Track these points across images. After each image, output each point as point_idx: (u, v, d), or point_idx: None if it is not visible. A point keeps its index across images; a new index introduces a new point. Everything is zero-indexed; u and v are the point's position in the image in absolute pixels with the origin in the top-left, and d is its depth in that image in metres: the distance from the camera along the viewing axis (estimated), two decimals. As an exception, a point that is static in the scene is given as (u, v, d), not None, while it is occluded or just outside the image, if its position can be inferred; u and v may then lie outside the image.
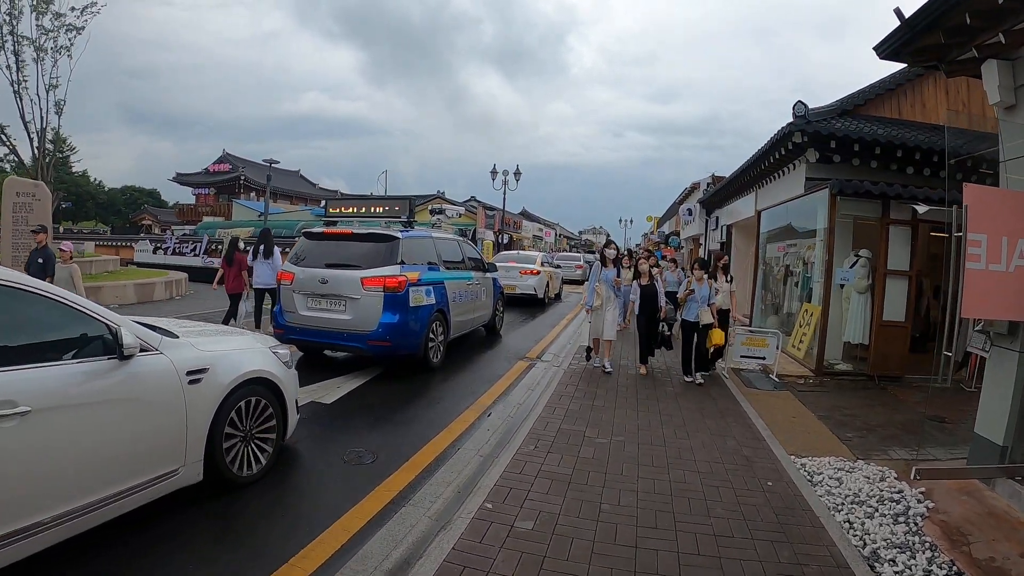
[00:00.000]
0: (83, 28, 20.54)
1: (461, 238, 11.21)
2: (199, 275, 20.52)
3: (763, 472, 4.96)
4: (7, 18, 19.45)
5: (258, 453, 4.30)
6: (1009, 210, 4.57)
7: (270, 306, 9.33)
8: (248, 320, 10.50)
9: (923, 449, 5.78)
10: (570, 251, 50.72)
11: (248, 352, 4.38)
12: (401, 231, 8.12)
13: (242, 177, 53.48)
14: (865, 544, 3.88)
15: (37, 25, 19.92)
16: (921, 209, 7.69)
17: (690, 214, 23.45)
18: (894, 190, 7.99)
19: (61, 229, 49.99)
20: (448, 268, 9.04)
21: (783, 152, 9.48)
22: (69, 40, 20.45)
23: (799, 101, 8.53)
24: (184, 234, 31.08)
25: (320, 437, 5.35)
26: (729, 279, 9.01)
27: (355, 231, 8.21)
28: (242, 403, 4.13)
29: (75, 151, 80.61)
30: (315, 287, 7.71)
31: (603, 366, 8.36)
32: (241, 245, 11.19)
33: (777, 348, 8.40)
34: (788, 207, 10.48)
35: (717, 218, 18.98)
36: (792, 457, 5.37)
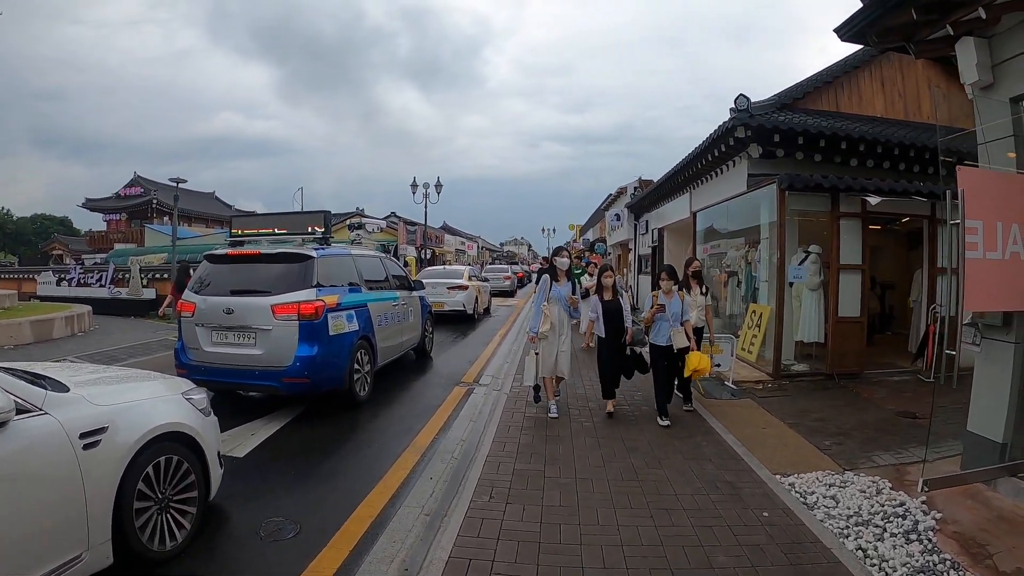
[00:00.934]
0: None
1: (384, 254, 10.32)
2: (106, 308, 19.31)
3: (754, 500, 4.43)
4: None
5: (180, 519, 3.68)
6: (1001, 193, 4.24)
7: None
8: None
9: (906, 451, 5.57)
10: (493, 263, 50.22)
11: (156, 402, 3.75)
12: (316, 249, 7.16)
13: (154, 201, 50.78)
14: (886, 574, 3.50)
15: None
16: (873, 201, 7.45)
17: (618, 219, 23.28)
18: (844, 183, 7.75)
19: None
20: (371, 288, 8.12)
21: (723, 149, 9.15)
22: None
23: (741, 95, 8.18)
24: (93, 264, 28.83)
25: (232, 504, 4.35)
26: (704, 291, 7.35)
27: (263, 251, 7.17)
28: (152, 465, 3.48)
29: None
30: (220, 318, 6.64)
31: (548, 409, 6.69)
32: (192, 271, 10.26)
33: (732, 354, 7.95)
34: (728, 206, 10.20)
35: (647, 222, 18.82)
36: (778, 477, 4.89)
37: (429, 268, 21.92)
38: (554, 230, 71.93)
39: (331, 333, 6.69)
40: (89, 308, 16.35)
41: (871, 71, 10.03)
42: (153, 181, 52.46)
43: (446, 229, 56.22)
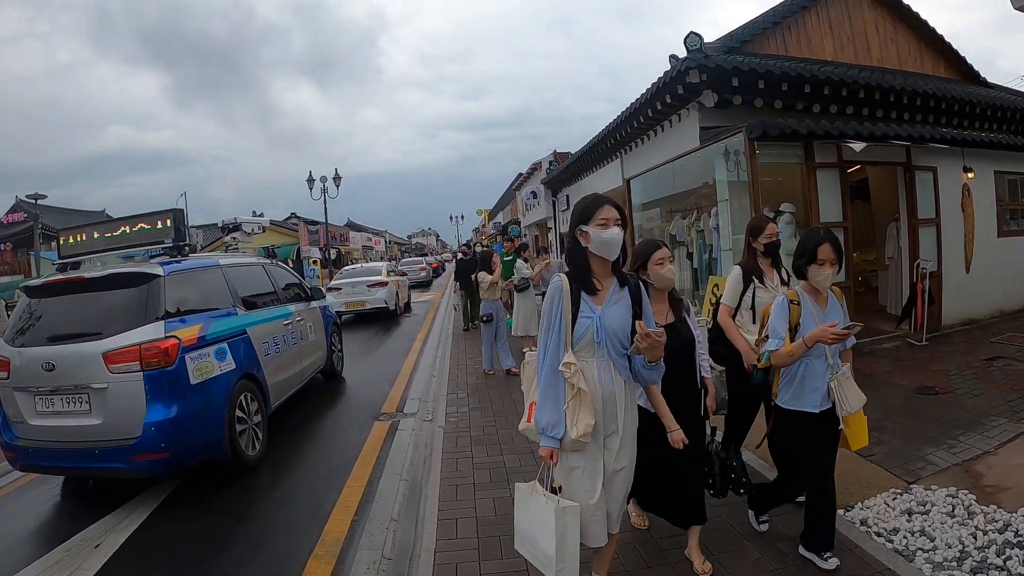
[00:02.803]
0: None
1: (268, 260, 8.40)
2: None
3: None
4: None
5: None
6: None
7: None
8: None
9: (957, 441, 4.63)
10: (402, 257, 48.57)
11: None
12: (164, 265, 5.26)
13: (40, 225, 45.43)
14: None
15: None
16: (858, 147, 6.34)
17: (534, 196, 21.93)
18: (822, 128, 6.57)
19: None
20: (252, 307, 6.27)
21: (669, 100, 7.84)
22: None
23: (692, 33, 6.81)
24: None
25: None
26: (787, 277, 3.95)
27: (88, 275, 5.19)
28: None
29: None
30: (40, 378, 4.71)
31: None
32: None
33: (704, 340, 6.58)
34: (674, 167, 8.93)
35: (567, 196, 17.61)
36: (841, 512, 3.57)
37: (347, 268, 21.11)
38: (462, 217, 70.49)
39: (193, 381, 4.85)
40: None
41: (818, 12, 9.15)
42: (39, 205, 47.85)
43: (351, 226, 53.58)
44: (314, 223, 36.22)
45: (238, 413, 5.37)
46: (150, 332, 4.70)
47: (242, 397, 5.49)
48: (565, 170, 16.63)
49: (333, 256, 34.49)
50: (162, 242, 5.82)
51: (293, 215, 43.26)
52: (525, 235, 26.84)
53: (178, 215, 5.91)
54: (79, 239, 6.17)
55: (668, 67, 7.56)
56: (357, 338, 12.64)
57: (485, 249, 8.96)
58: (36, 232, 17.79)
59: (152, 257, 5.80)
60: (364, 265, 20.88)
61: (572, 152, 17.41)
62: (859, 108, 7.79)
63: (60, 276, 5.34)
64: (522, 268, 9.21)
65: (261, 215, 39.97)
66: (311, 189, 28.29)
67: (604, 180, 12.99)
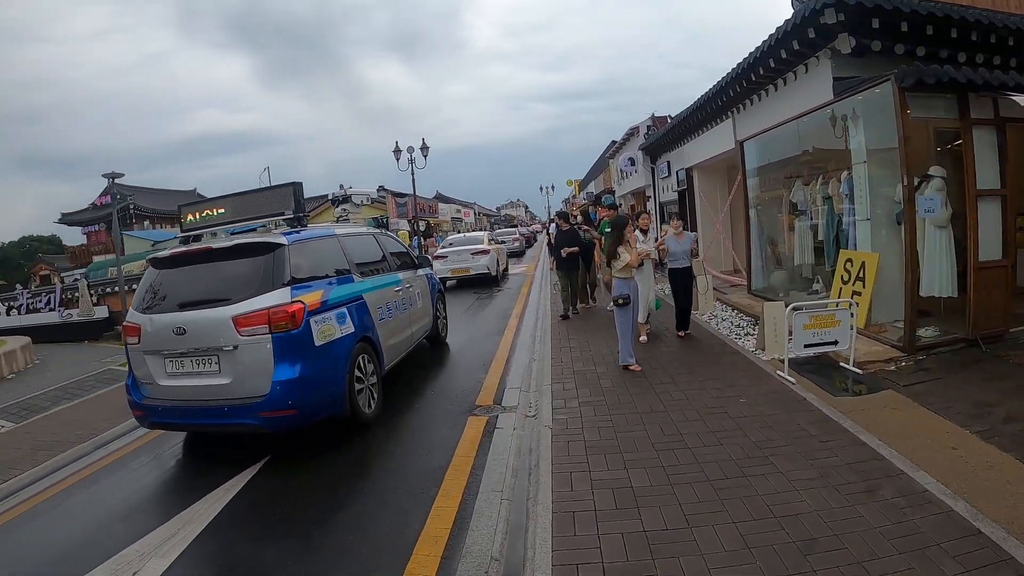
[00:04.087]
0: None
1: (379, 230, 8.55)
2: (59, 333, 18.20)
3: None
4: None
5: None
6: None
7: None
8: None
9: None
10: (492, 228, 48.89)
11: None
12: (287, 234, 5.42)
13: (131, 206, 47.90)
14: None
15: None
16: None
17: (632, 164, 21.14)
18: (981, 77, 5.82)
19: None
20: (366, 274, 6.42)
21: (796, 47, 7.21)
22: None
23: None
24: (36, 287, 27.32)
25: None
26: None
27: (216, 245, 5.44)
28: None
29: None
30: (171, 342, 5.00)
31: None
32: None
33: (852, 328, 6.01)
34: (799, 126, 8.31)
35: (668, 163, 16.93)
36: None
37: (452, 236, 23.00)
38: (552, 187, 69.78)
39: (317, 343, 5.03)
40: (28, 340, 14.94)
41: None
42: (129, 186, 49.08)
43: (440, 198, 54.19)
44: (402, 195, 36.80)
45: (356, 373, 5.54)
46: (277, 297, 4.88)
47: (360, 358, 5.65)
48: (666, 134, 15.98)
49: (422, 228, 35.01)
50: (282, 213, 5.99)
51: (381, 187, 44.20)
52: (620, 204, 26.24)
53: (297, 188, 6.08)
54: (202, 214, 6.45)
55: (792, 11, 6.99)
56: (464, 297, 12.96)
57: (619, 216, 7.46)
58: (115, 211, 18.94)
59: (272, 228, 6.01)
60: (467, 235, 22.58)
61: (672, 116, 16.74)
62: (1007, 58, 6.95)
63: (187, 247, 5.61)
64: (640, 239, 8.02)
65: (349, 188, 41.20)
66: (398, 160, 28.11)
67: (711, 143, 12.40)
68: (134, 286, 17.75)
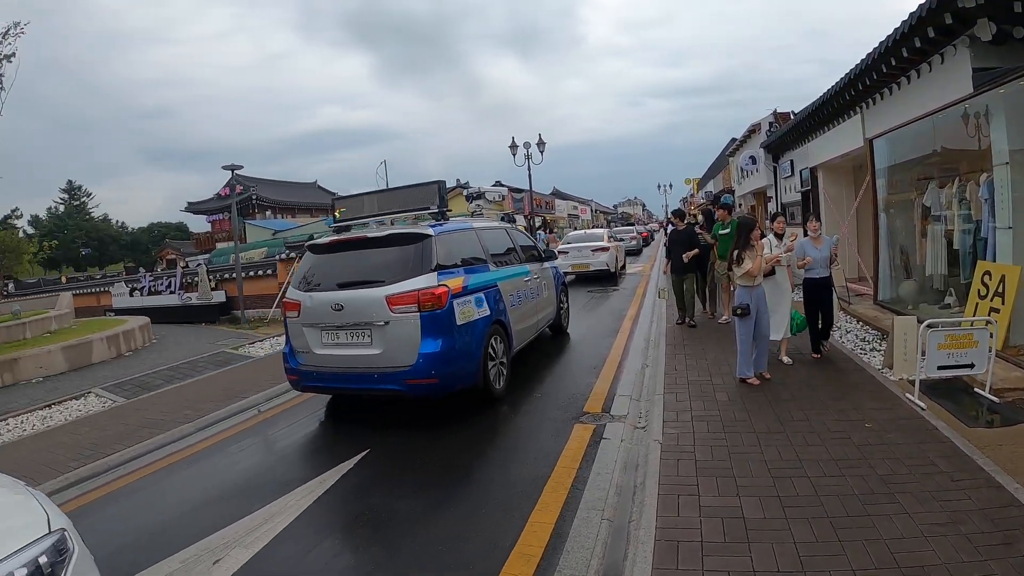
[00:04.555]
0: (12, 55, 19.40)
1: (509, 224, 9.22)
2: (178, 315, 19.28)
3: None
4: None
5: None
6: None
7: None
8: None
9: None
10: (609, 226, 48.92)
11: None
12: (432, 226, 6.17)
13: (254, 197, 51.93)
14: None
15: None
16: None
17: (753, 162, 20.63)
18: None
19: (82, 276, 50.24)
20: (499, 265, 7.11)
21: (931, 35, 6.94)
22: None
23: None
24: (162, 270, 29.83)
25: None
26: None
27: (371, 234, 6.28)
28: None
29: (91, 197, 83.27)
30: (328, 316, 5.85)
31: None
32: None
33: (990, 349, 5.51)
34: (934, 121, 8.05)
35: (791, 162, 16.54)
36: None
37: (572, 232, 23.90)
38: (670, 186, 68.68)
39: (459, 322, 5.73)
40: (147, 320, 16.03)
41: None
42: (252, 178, 53.55)
43: (556, 194, 54.76)
44: (519, 190, 37.59)
45: (489, 352, 6.20)
46: (425, 281, 5.61)
47: (493, 339, 6.31)
48: (789, 131, 15.62)
49: (538, 224, 35.62)
50: (427, 208, 6.75)
51: (498, 183, 45.14)
52: (740, 204, 25.67)
53: (441, 185, 6.87)
54: (354, 207, 7.34)
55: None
56: (583, 290, 13.13)
57: (745, 217, 7.03)
58: (234, 201, 20.41)
59: (419, 221, 6.78)
60: (587, 231, 23.19)
61: (795, 112, 16.33)
62: None
63: (344, 236, 6.51)
64: (774, 244, 7.13)
65: (466, 184, 42.45)
66: (514, 156, 28.16)
67: (838, 141, 12.08)
68: (259, 272, 19.06)
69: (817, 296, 7.01)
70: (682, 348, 7.97)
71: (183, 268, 25.65)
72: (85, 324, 16.41)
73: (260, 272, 19.10)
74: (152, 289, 22.57)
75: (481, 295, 6.20)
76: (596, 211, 66.85)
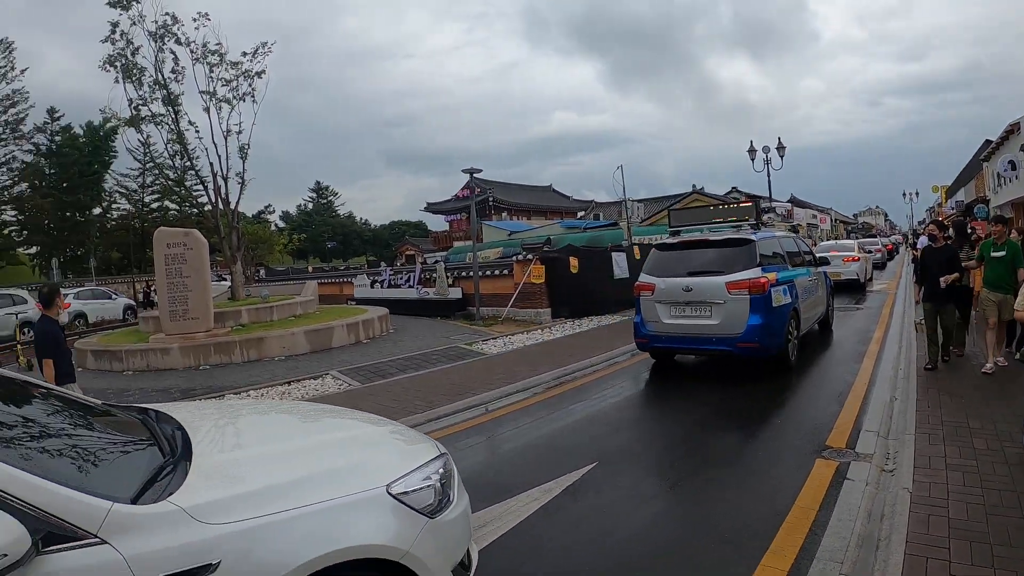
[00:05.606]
0: (263, 72, 20.85)
1: (794, 234, 11.46)
2: (415, 308, 20.11)
3: None
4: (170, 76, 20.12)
5: None
6: None
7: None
8: None
9: None
10: (847, 237, 47.36)
11: (341, 507, 2.43)
12: (754, 233, 8.66)
13: (490, 199, 54.92)
14: None
15: (209, 77, 20.64)
16: None
17: (1013, 167, 19.41)
18: None
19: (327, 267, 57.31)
20: (792, 266, 9.36)
21: None
22: (250, 86, 20.72)
23: None
24: (400, 264, 31.51)
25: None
26: None
27: (709, 238, 8.92)
28: None
29: (338, 196, 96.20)
30: (678, 295, 8.47)
31: None
32: None
33: None
34: None
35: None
36: None
37: (824, 243, 25.13)
38: (916, 194, 63.48)
39: (773, 305, 8.07)
40: (386, 311, 16.85)
41: None
42: (488, 180, 55.96)
43: (794, 202, 53.35)
44: (755, 198, 38.16)
45: (789, 330, 8.47)
46: (754, 273, 8.05)
47: (791, 321, 8.57)
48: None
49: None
50: (747, 219, 9.32)
51: (734, 189, 45.83)
52: (998, 215, 24.24)
53: (757, 204, 9.42)
54: (688, 216, 10.15)
55: None
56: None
57: None
58: (472, 202, 21.62)
59: (741, 229, 9.36)
60: (838, 242, 24.88)
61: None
62: None
63: (686, 238, 9.24)
64: None
65: (701, 189, 43.60)
66: (752, 161, 27.88)
67: None
68: (495, 271, 19.41)
69: None
70: (935, 381, 7.25)
71: (422, 264, 26.77)
72: (328, 311, 17.52)
73: (496, 272, 19.43)
74: (391, 282, 23.52)
75: (785, 287, 8.49)
76: (836, 220, 63.93)
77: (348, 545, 2.33)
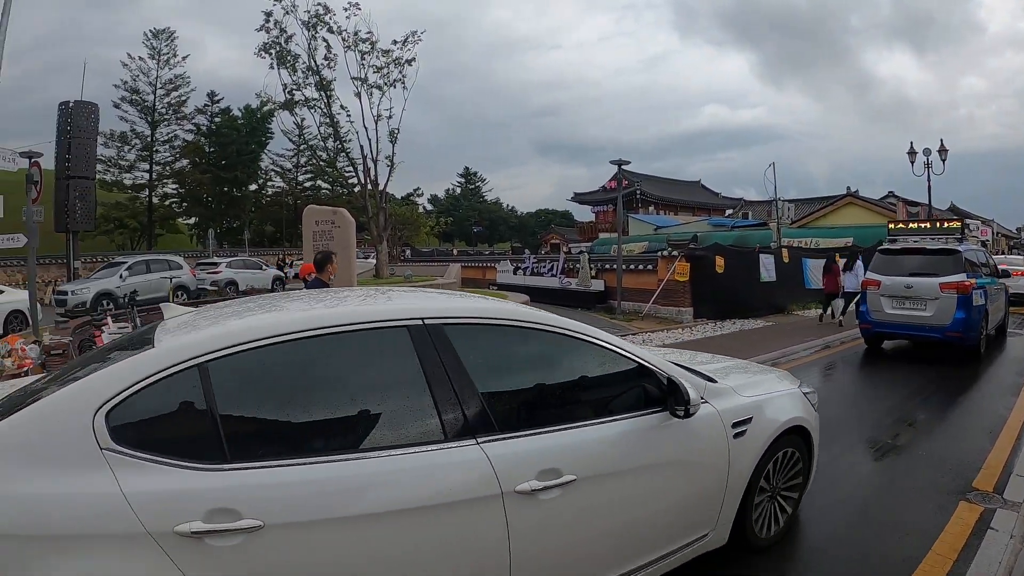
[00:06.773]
0: (413, 59, 21.86)
1: (982, 248, 13.88)
2: (556, 297, 20.07)
3: None
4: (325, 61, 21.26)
5: (778, 513, 3.91)
6: None
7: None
8: (839, 316, 15.16)
9: None
10: (1009, 252, 45.60)
11: (784, 397, 3.95)
12: (960, 245, 11.32)
13: (638, 192, 55.32)
14: None
15: (360, 64, 21.79)
16: None
17: None
18: None
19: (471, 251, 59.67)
20: (984, 275, 11.77)
21: None
22: (401, 73, 21.78)
23: None
24: (544, 253, 32.29)
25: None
26: None
27: (926, 247, 11.55)
28: (776, 456, 3.76)
29: (485, 182, 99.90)
30: (899, 291, 11.10)
31: None
32: (836, 257, 15.65)
33: None
34: None
35: None
36: None
37: (997, 256, 26.23)
38: (1095, 209, 58.62)
39: (973, 304, 10.60)
40: (527, 298, 16.76)
41: None
42: (636, 173, 55.27)
43: (953, 211, 50.14)
44: (914, 204, 36.93)
45: (982, 326, 10.99)
46: (961, 277, 10.63)
47: (983, 320, 11.06)
48: None
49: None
50: (960, 235, 12.05)
51: (890, 193, 43.99)
52: None
53: (963, 223, 12.03)
54: (901, 227, 12.99)
55: None
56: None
57: None
58: (619, 195, 21.80)
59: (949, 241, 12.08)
60: (1008, 256, 26.05)
61: None
62: None
63: (903, 246, 11.92)
64: None
65: (855, 192, 42.27)
66: (912, 163, 27.19)
67: None
68: (639, 266, 19.57)
69: None
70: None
71: (566, 254, 27.02)
72: (469, 293, 19.89)
73: (640, 266, 19.39)
74: (534, 270, 23.85)
75: (981, 291, 10.94)
76: (998, 234, 61.00)
77: (793, 416, 3.84)
